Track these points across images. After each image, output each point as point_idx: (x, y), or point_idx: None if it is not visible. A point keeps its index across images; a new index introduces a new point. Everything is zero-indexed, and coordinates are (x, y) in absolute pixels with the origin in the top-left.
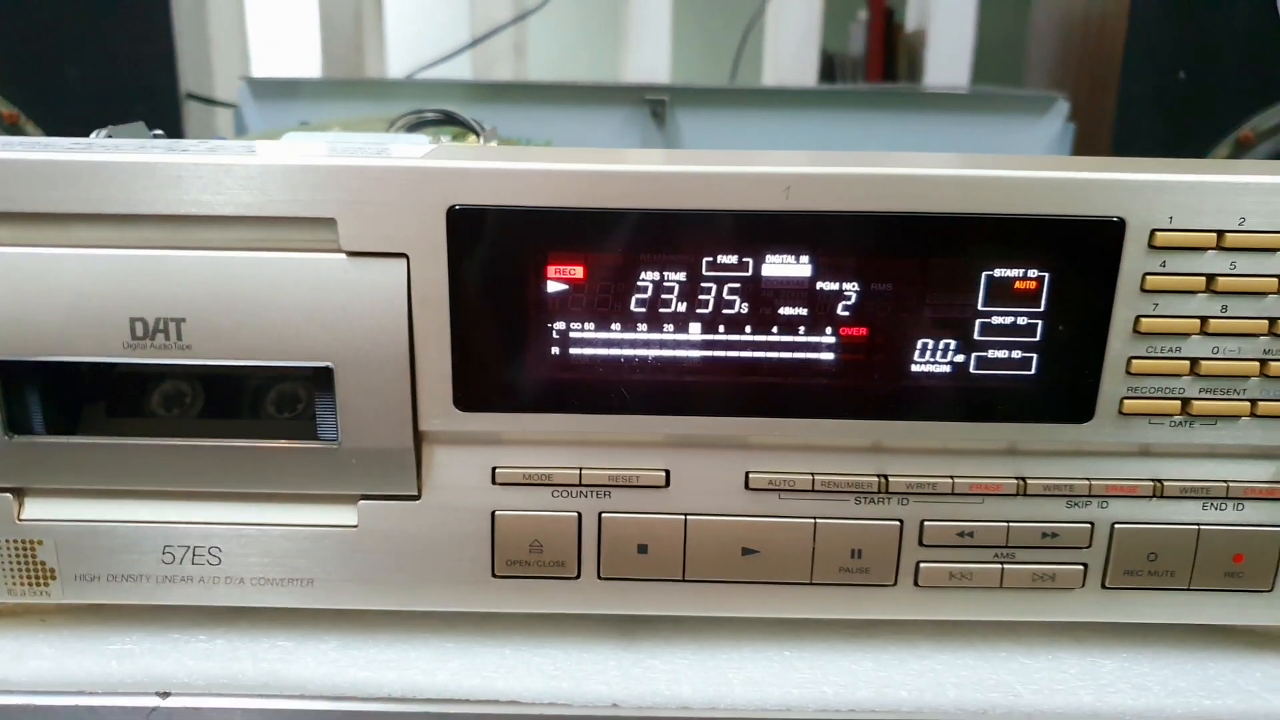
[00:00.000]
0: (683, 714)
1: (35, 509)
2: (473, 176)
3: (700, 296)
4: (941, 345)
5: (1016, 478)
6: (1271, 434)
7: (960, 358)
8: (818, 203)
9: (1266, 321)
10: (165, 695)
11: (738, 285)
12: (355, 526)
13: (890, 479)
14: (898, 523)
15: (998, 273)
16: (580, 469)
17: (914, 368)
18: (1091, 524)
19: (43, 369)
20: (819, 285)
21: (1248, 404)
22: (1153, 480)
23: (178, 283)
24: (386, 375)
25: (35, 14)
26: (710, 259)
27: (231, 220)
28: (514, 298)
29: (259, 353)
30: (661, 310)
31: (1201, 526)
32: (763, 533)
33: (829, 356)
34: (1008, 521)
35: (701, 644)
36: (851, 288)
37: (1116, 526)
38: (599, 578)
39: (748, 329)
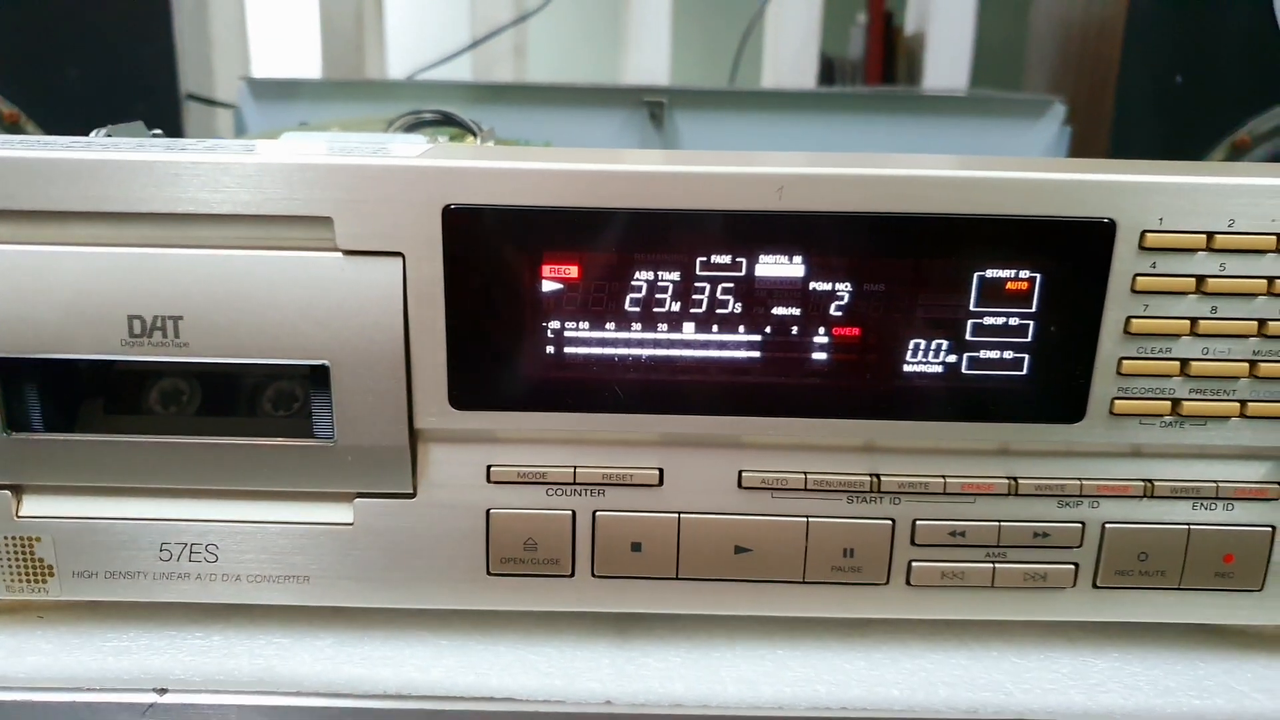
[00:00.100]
0: (676, 711)
1: (33, 506)
2: (468, 176)
3: (694, 296)
4: (933, 345)
5: (1008, 477)
6: (1261, 434)
7: (952, 358)
8: (810, 203)
9: (1256, 323)
10: (162, 691)
11: (731, 285)
12: (351, 524)
13: (882, 478)
14: (890, 522)
15: (989, 273)
16: (574, 467)
17: (906, 368)
18: (1083, 524)
19: (41, 366)
20: (812, 285)
21: (1237, 405)
22: (1143, 480)
23: (175, 281)
24: (382, 373)
25: (35, 14)
26: (704, 259)
27: (229, 219)
28: (509, 297)
29: (256, 351)
30: (655, 310)
31: (1192, 526)
32: (756, 531)
33: (822, 356)
34: (999, 521)
35: (695, 642)
36: (844, 288)
37: (1107, 526)
38: (593, 576)
39: (741, 328)
